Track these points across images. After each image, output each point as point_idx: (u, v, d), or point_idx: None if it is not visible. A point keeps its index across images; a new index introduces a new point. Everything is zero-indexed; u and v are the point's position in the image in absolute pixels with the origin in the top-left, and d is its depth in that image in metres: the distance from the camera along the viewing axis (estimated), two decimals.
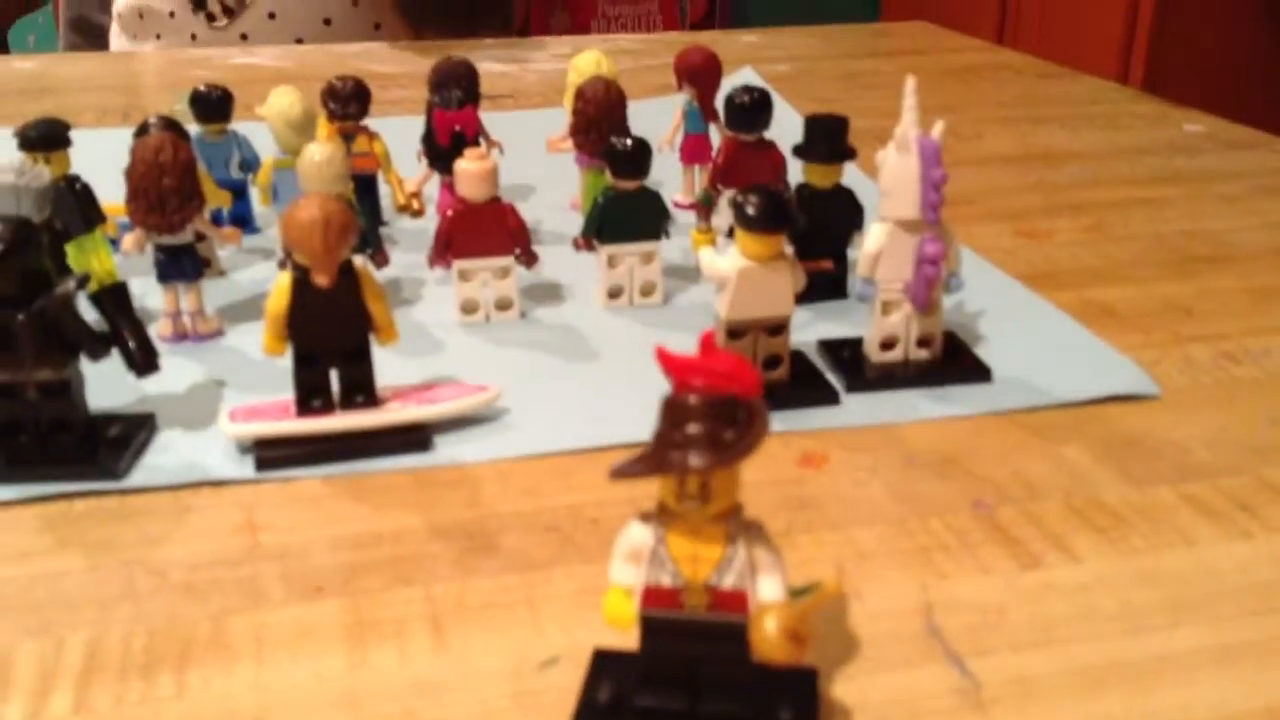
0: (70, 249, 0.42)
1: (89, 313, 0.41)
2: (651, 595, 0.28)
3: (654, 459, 0.26)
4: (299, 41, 1.14)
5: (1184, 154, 0.79)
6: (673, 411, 0.27)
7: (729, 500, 0.27)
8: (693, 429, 0.26)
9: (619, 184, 0.53)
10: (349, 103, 0.59)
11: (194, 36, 1.14)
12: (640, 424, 0.43)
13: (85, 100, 0.95)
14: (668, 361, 0.27)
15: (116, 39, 1.21)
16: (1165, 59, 2.04)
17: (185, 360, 0.49)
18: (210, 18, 1.12)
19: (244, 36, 1.13)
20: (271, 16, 1.12)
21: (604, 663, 0.30)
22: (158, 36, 1.16)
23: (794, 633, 0.26)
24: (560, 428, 0.44)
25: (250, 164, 0.61)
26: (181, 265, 0.50)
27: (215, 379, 0.47)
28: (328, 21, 1.14)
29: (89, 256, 0.43)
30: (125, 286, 0.42)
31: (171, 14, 1.14)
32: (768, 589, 0.27)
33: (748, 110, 0.56)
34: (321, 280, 0.40)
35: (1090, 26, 2.16)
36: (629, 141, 0.53)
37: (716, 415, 0.26)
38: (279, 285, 0.41)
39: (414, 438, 0.42)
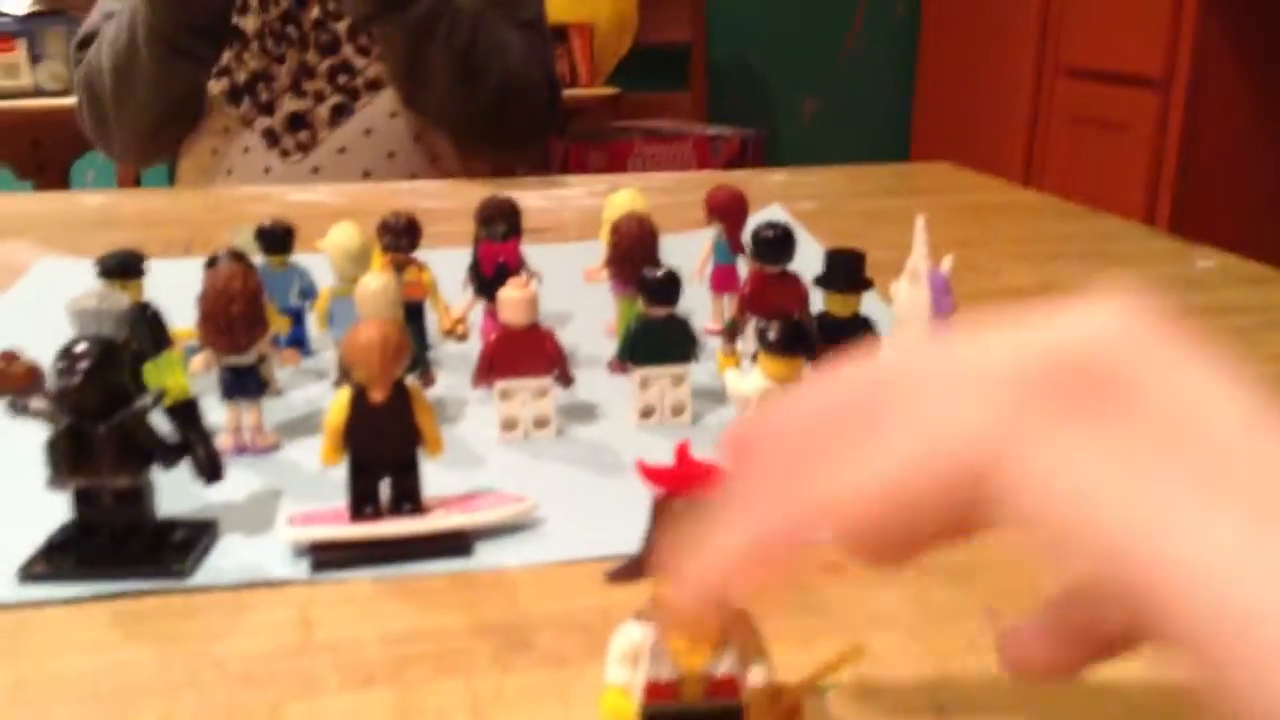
0: (148, 368, 0.46)
1: (162, 425, 0.45)
2: (653, 690, 0.30)
3: (646, 562, 0.29)
4: (366, 174, 1.21)
5: (1197, 289, 0.82)
6: (660, 515, 0.30)
7: None
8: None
9: (651, 311, 0.57)
10: (402, 236, 0.63)
11: (267, 170, 1.21)
12: None
13: (150, 234, 1.01)
14: (648, 472, 0.30)
15: (187, 174, 1.28)
16: (1191, 198, 2.09)
17: (245, 471, 0.52)
18: (284, 153, 1.20)
19: (315, 170, 1.21)
20: (341, 151, 1.20)
21: None
22: (229, 172, 1.23)
23: (793, 710, 0.29)
24: (592, 536, 0.46)
25: (308, 292, 0.66)
26: (245, 384, 0.54)
27: (272, 488, 0.51)
28: (391, 155, 1.23)
29: (165, 375, 0.47)
30: (196, 402, 0.46)
31: (246, 150, 1.21)
32: (759, 674, 0.30)
33: (772, 244, 0.60)
34: (377, 396, 0.44)
35: (1116, 167, 2.22)
36: (660, 272, 0.57)
37: (699, 516, 0.29)
38: (338, 401, 0.44)
39: (456, 543, 0.45)
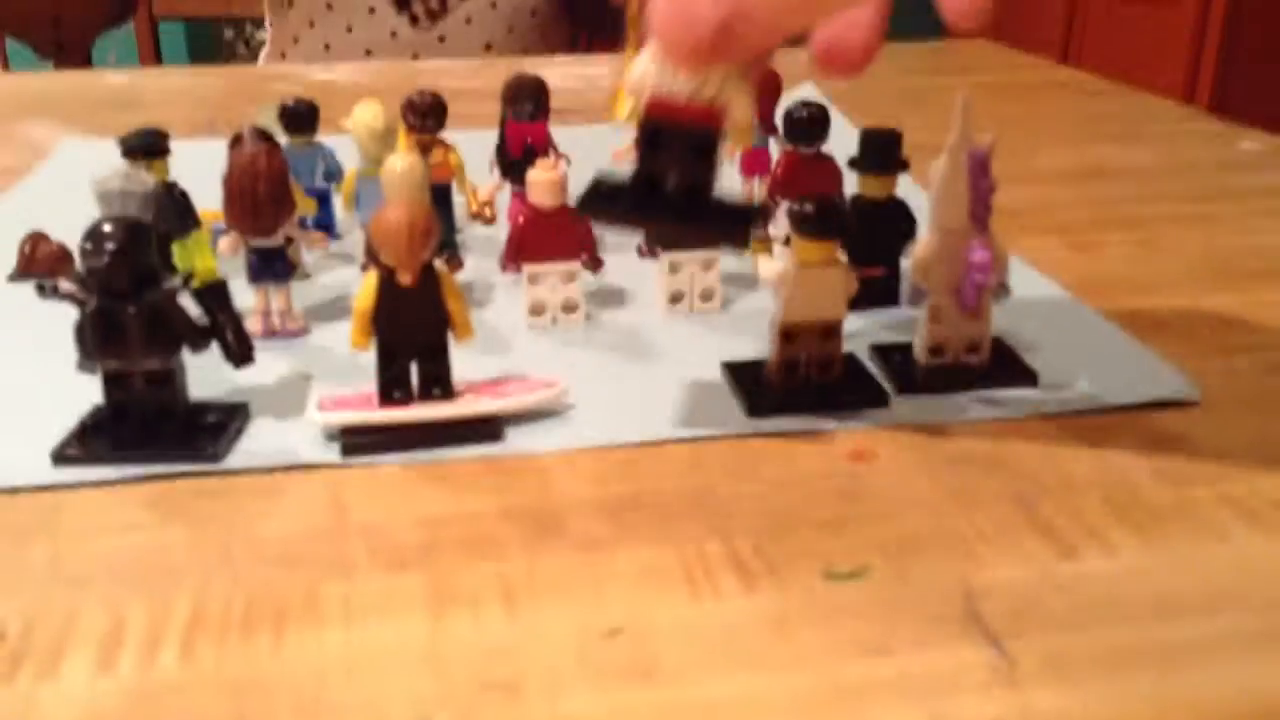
0: (176, 249, 0.46)
1: (191, 310, 0.44)
2: (653, 104, 0.39)
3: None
4: (487, 47, 1.24)
5: (1238, 171, 0.80)
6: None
7: None
8: None
9: None
10: (427, 115, 0.62)
11: (394, 34, 1.21)
12: (698, 420, 0.46)
13: (173, 114, 1.00)
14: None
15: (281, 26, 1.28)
16: (1233, 78, 2.03)
17: (274, 355, 0.52)
18: (414, 19, 1.19)
19: (442, 39, 1.22)
20: (468, 21, 1.22)
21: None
22: (349, 30, 1.22)
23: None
24: (622, 422, 0.46)
25: (334, 174, 0.65)
26: (273, 267, 0.53)
27: (302, 372, 0.51)
28: (511, 29, 1.26)
29: (192, 256, 0.47)
30: (225, 283, 0.45)
31: (372, 10, 1.21)
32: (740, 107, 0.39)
33: (806, 124, 0.59)
34: (405, 279, 0.43)
35: (1157, 45, 2.15)
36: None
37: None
38: (366, 284, 0.44)
39: (486, 429, 0.45)
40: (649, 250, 0.57)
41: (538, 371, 0.49)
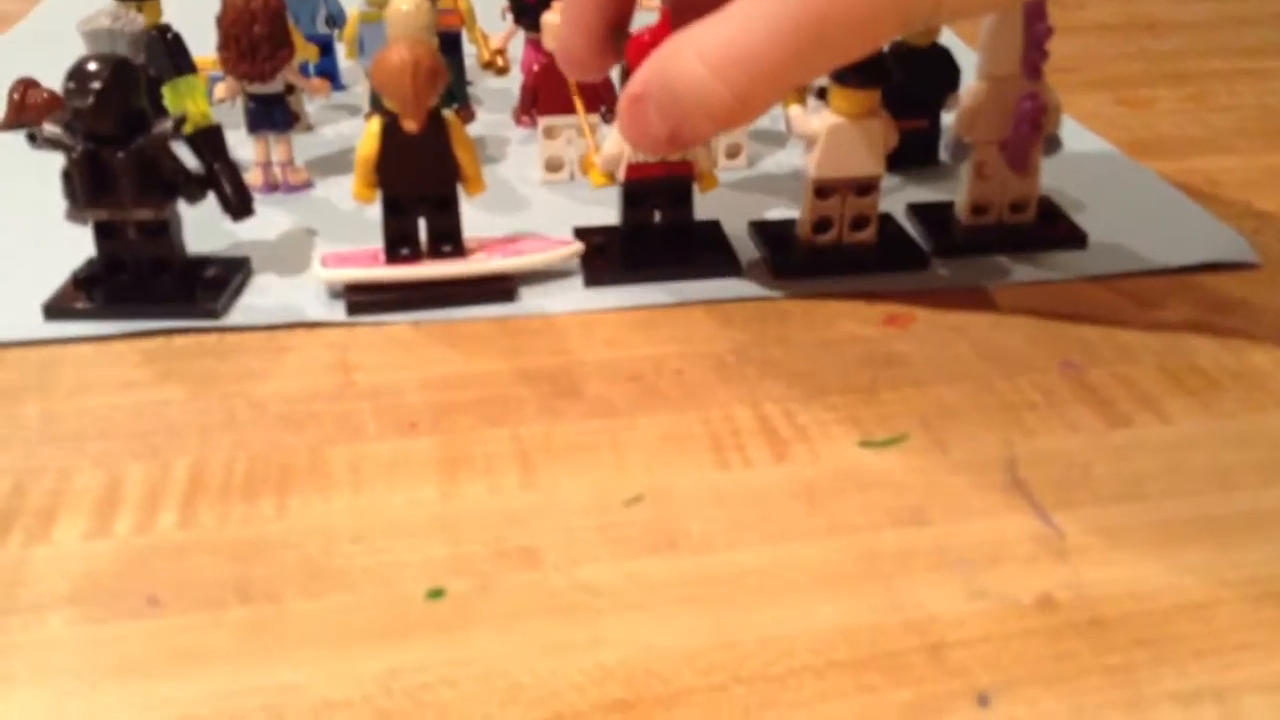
0: (167, 92, 0.43)
1: (189, 162, 0.42)
2: (632, 169, 0.43)
3: None
4: None
5: None
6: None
7: None
8: None
9: None
10: None
11: None
12: (724, 283, 0.44)
13: None
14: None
15: None
16: None
17: (276, 210, 0.49)
18: None
19: None
20: None
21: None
22: None
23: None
24: (642, 282, 0.44)
25: (336, 18, 0.61)
26: (272, 115, 0.50)
27: (306, 227, 0.48)
28: None
29: (184, 100, 0.44)
30: (220, 129, 0.43)
31: None
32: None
33: None
34: (411, 126, 0.40)
35: None
36: None
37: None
38: (369, 131, 0.41)
39: (499, 288, 0.43)
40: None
41: (554, 230, 0.46)
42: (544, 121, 0.52)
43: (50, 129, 0.40)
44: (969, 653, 0.27)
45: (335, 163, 0.54)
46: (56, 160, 0.40)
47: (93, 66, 0.39)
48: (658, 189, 0.44)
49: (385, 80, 0.40)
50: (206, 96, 0.43)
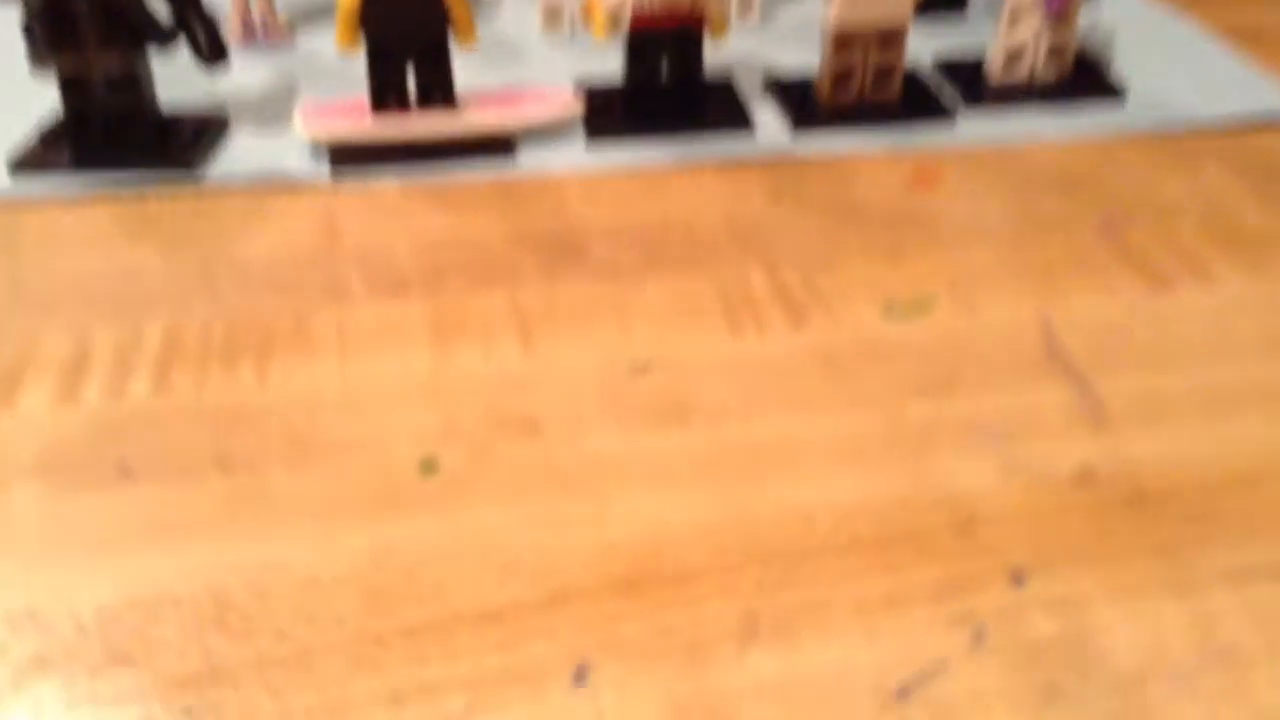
0: None
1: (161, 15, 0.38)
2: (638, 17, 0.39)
3: None
4: None
5: None
6: None
7: None
8: None
9: None
10: None
11: None
12: (737, 142, 0.41)
13: None
14: None
15: None
16: None
17: (256, 63, 0.46)
18: None
19: None
20: None
21: None
22: None
23: None
24: (648, 141, 0.41)
25: None
26: None
27: (287, 81, 0.45)
28: None
29: None
30: None
31: None
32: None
33: None
34: None
35: None
36: None
37: None
38: None
39: (496, 144, 0.40)
40: None
41: (553, 84, 0.43)
42: None
43: None
44: (1002, 530, 0.25)
45: (318, 14, 0.51)
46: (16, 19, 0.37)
47: None
48: (665, 41, 0.41)
49: None
50: None
